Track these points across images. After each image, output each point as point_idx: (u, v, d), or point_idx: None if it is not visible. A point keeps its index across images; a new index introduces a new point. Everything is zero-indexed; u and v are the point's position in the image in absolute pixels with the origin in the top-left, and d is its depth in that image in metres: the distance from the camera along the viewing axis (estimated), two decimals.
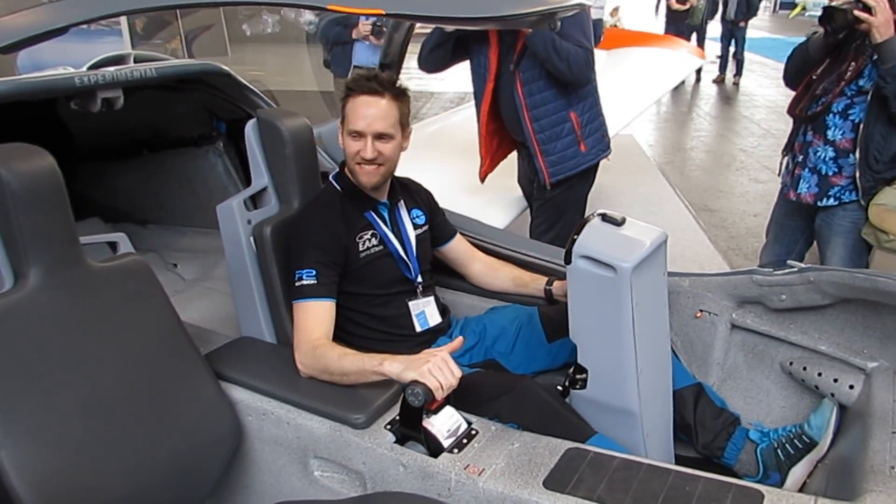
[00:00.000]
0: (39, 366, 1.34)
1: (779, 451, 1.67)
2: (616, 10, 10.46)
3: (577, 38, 2.39)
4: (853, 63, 2.23)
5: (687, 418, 1.75)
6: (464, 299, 2.12)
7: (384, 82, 1.73)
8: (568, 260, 1.54)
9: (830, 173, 2.33)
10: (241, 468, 1.70)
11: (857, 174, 2.25)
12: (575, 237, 1.54)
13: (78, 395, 1.37)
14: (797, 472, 1.61)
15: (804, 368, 1.72)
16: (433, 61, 2.59)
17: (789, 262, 1.72)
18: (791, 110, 2.46)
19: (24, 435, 1.28)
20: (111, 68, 1.88)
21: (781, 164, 2.56)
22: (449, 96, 8.73)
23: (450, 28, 2.43)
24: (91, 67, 1.92)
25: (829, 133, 2.31)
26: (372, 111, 1.71)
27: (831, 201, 2.34)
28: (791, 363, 1.75)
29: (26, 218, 1.32)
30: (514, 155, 2.93)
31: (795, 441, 1.66)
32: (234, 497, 1.75)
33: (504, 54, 2.48)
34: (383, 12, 1.00)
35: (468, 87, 2.73)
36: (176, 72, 2.06)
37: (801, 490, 1.57)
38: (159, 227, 2.77)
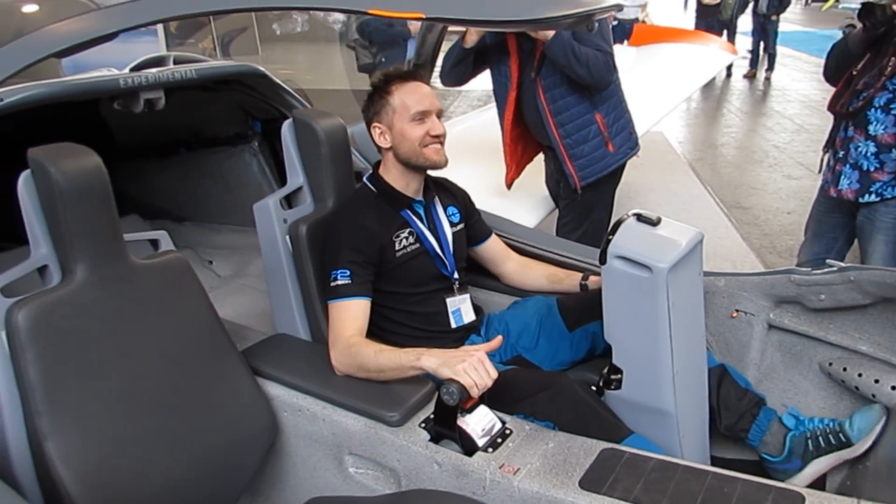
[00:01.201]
0: (85, 359, 1.37)
1: (810, 441, 1.65)
2: (644, 5, 10.37)
3: (595, 42, 2.38)
4: (894, 57, 2.21)
5: (710, 400, 1.72)
6: (494, 298, 2.13)
7: (421, 73, 1.80)
8: (603, 260, 1.54)
9: (872, 169, 2.32)
10: (277, 463, 1.73)
11: None
12: (610, 237, 1.53)
13: (121, 388, 1.41)
14: (819, 465, 1.61)
15: (844, 369, 1.69)
16: (455, 76, 2.62)
17: (829, 261, 1.70)
18: (831, 107, 2.45)
19: (70, 426, 1.32)
20: (153, 70, 1.92)
21: (822, 160, 2.54)
22: (477, 94, 8.71)
23: (468, 44, 2.45)
24: (133, 69, 1.96)
25: (871, 128, 2.30)
26: (427, 91, 1.80)
27: (873, 197, 2.33)
28: (830, 363, 1.73)
29: (74, 215, 1.35)
30: (540, 156, 2.93)
31: (831, 436, 1.63)
32: (270, 491, 1.78)
33: (524, 63, 2.48)
34: (423, 16, 1.01)
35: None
36: (214, 73, 2.09)
37: (817, 483, 1.57)
38: (195, 225, 2.81)
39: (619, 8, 1.19)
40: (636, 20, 9.89)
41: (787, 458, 1.67)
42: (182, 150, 2.69)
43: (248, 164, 2.63)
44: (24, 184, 1.36)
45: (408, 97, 1.78)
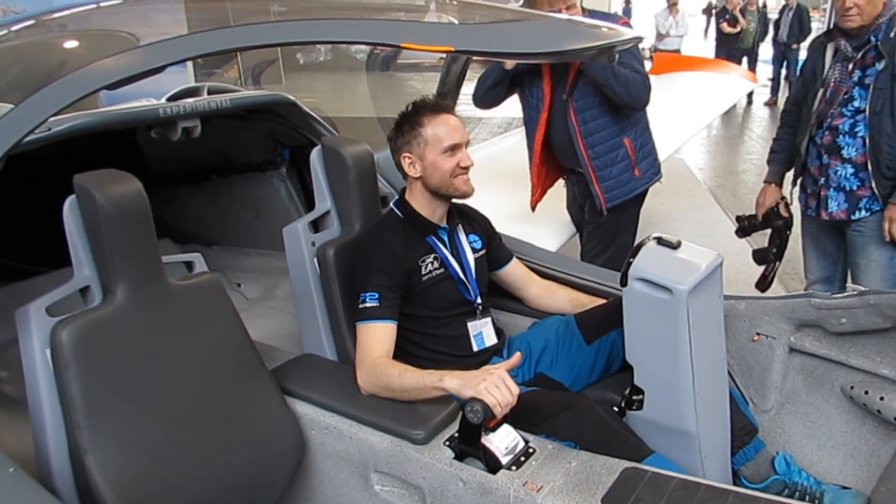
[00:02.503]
0: (124, 376, 1.43)
1: (787, 490, 1.70)
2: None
3: (633, 65, 2.44)
4: (842, 86, 2.46)
5: None
6: (516, 320, 2.16)
7: (449, 105, 1.85)
8: (624, 282, 1.57)
9: (855, 188, 2.48)
10: (303, 481, 1.76)
11: (874, 185, 2.43)
12: (631, 260, 1.57)
13: (158, 405, 1.46)
14: None
15: (866, 392, 1.70)
16: (490, 99, 2.67)
17: (849, 285, 1.71)
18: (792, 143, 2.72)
19: (109, 440, 1.37)
20: (189, 100, 2.01)
21: (793, 192, 2.78)
22: (497, 121, 8.81)
23: (509, 66, 2.51)
24: (169, 99, 2.05)
25: (844, 152, 2.47)
26: (457, 124, 1.86)
27: (863, 213, 2.49)
28: (852, 387, 1.74)
29: (117, 238, 1.42)
30: (559, 182, 2.97)
31: (807, 496, 1.68)
32: None
33: (556, 85, 2.53)
34: (452, 49, 1.07)
35: (514, 112, 2.80)
36: (247, 102, 2.18)
37: None
38: (224, 248, 2.89)
39: (639, 40, 1.24)
40: (678, 51, 10.00)
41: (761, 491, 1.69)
42: (213, 177, 2.77)
43: (276, 189, 2.71)
44: (69, 208, 1.43)
45: (440, 129, 1.84)
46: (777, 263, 2.75)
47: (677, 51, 9.99)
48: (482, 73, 2.58)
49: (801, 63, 2.80)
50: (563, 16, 2.07)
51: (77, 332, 1.37)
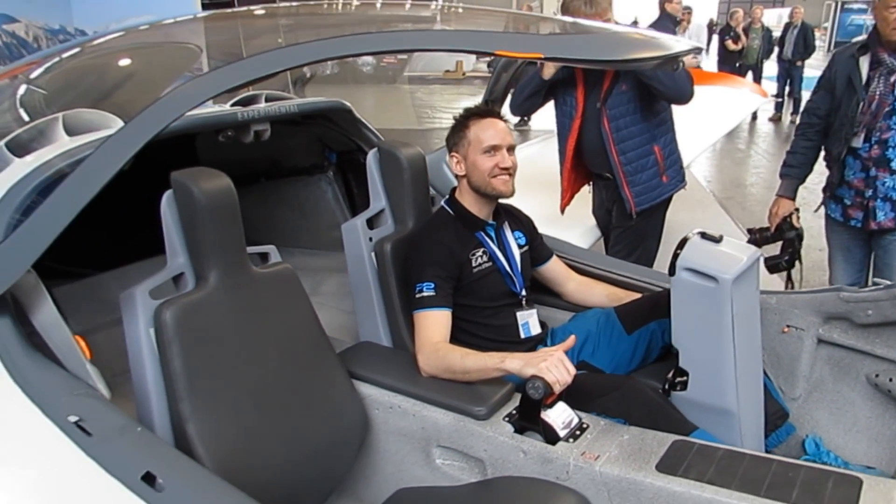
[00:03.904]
0: (218, 354, 1.56)
1: None
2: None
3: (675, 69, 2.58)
4: (890, 96, 2.49)
5: None
6: (556, 314, 2.29)
7: (497, 112, 1.99)
8: (672, 272, 1.71)
9: None
10: (365, 459, 1.88)
11: None
12: (678, 252, 1.71)
13: (247, 380, 1.59)
14: None
15: (890, 380, 1.83)
16: (528, 107, 2.82)
17: (875, 279, 1.85)
18: (828, 157, 2.76)
19: (207, 411, 1.50)
20: (262, 105, 2.15)
21: (828, 203, 2.81)
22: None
23: (547, 76, 2.65)
24: (233, 105, 2.19)
25: (893, 164, 2.55)
26: (501, 127, 2.00)
27: None
28: (877, 375, 1.87)
29: (211, 229, 1.55)
30: (585, 187, 3.11)
31: None
32: (356, 486, 1.93)
33: (589, 94, 2.68)
34: (542, 56, 1.21)
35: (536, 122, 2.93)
36: (311, 108, 2.33)
37: None
38: None
39: (700, 50, 1.38)
40: (698, 66, 10.17)
41: None
42: (262, 180, 2.92)
43: (323, 192, 2.85)
44: (166, 202, 1.57)
45: (482, 132, 1.99)
46: (792, 270, 2.78)
47: (698, 66, 10.18)
48: (520, 84, 2.73)
49: (820, 77, 2.78)
50: (630, 28, 2.23)
51: (178, 313, 1.51)
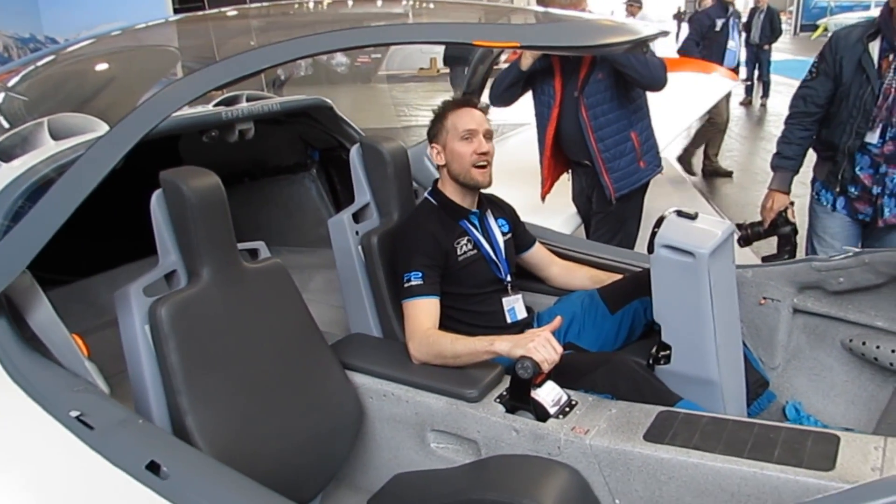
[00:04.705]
0: (213, 348, 1.59)
1: None
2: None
3: (650, 51, 2.64)
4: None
5: None
6: (541, 299, 2.35)
7: (475, 101, 2.04)
8: (650, 250, 1.77)
9: None
10: (361, 447, 1.92)
11: None
12: (656, 230, 1.77)
13: (243, 373, 1.62)
14: None
15: (863, 343, 1.91)
16: (508, 97, 2.87)
17: (844, 247, 1.93)
18: (826, 149, 2.57)
19: (205, 404, 1.53)
20: (245, 104, 2.18)
21: (834, 196, 2.58)
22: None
23: (525, 66, 2.70)
24: (216, 105, 2.22)
25: None
26: (477, 114, 2.05)
27: None
28: (851, 340, 1.95)
29: (201, 226, 1.58)
30: (563, 177, 3.17)
31: None
32: (353, 475, 1.97)
33: (567, 83, 2.74)
34: (519, 44, 1.26)
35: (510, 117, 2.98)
36: (293, 106, 2.36)
37: None
38: None
39: (666, 34, 1.44)
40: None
41: None
42: (246, 180, 2.94)
43: (307, 189, 2.88)
44: (156, 201, 1.60)
45: (459, 119, 2.04)
46: None
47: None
48: (499, 74, 2.77)
49: (815, 62, 2.55)
50: (602, 16, 2.29)
51: (173, 309, 1.53)
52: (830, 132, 2.52)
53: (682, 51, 6.84)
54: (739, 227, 2.57)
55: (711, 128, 6.61)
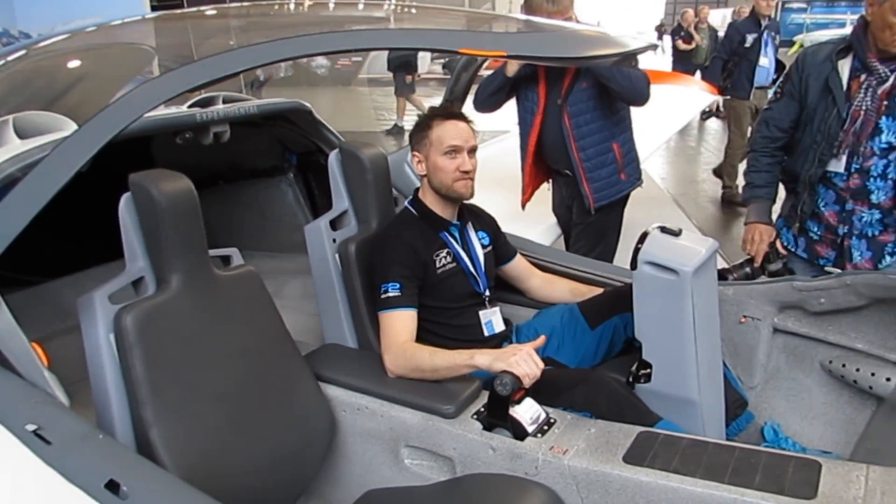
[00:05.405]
0: (181, 357, 1.53)
1: None
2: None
3: (633, 65, 2.63)
4: (875, 119, 2.08)
5: None
6: (520, 311, 2.31)
7: (461, 113, 1.99)
8: (634, 266, 1.75)
9: (877, 234, 2.17)
10: (333, 461, 1.87)
11: None
12: (639, 246, 1.74)
13: (211, 385, 1.57)
14: None
15: (843, 366, 1.90)
16: (492, 103, 2.84)
17: (826, 267, 1.92)
18: (791, 180, 2.33)
19: (171, 416, 1.47)
20: (220, 106, 2.12)
21: (794, 236, 2.34)
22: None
23: (510, 72, 2.68)
24: (190, 107, 2.16)
25: (873, 197, 2.13)
26: (463, 128, 1.99)
27: (888, 259, 2.18)
28: (830, 361, 1.94)
29: (171, 231, 1.52)
30: (544, 186, 3.15)
31: None
32: (324, 489, 1.91)
33: (551, 90, 2.72)
34: (505, 54, 1.23)
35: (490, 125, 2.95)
36: (270, 108, 2.30)
37: None
38: None
39: (655, 47, 1.42)
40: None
41: None
42: (221, 183, 2.87)
43: (284, 194, 2.82)
44: (125, 204, 1.53)
45: (444, 133, 1.99)
46: None
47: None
48: (483, 80, 2.74)
49: (780, 80, 2.32)
50: (591, 26, 2.26)
51: (139, 318, 1.47)
52: (793, 160, 2.30)
53: (708, 68, 6.32)
54: (730, 270, 2.26)
55: (734, 152, 6.14)
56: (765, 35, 5.72)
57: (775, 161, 2.36)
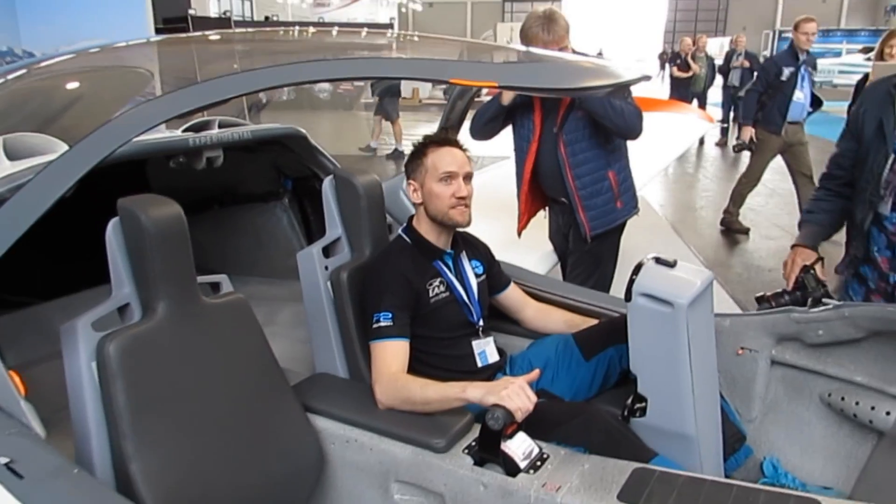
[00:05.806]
0: (164, 389, 1.50)
1: None
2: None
3: (625, 98, 2.62)
4: None
5: None
6: (514, 341, 2.28)
7: (457, 140, 1.98)
8: (628, 298, 1.72)
9: None
10: (321, 496, 1.82)
11: None
12: (634, 277, 1.71)
13: (195, 416, 1.53)
14: None
15: (842, 399, 1.86)
16: (488, 131, 2.83)
17: (824, 300, 1.89)
18: (851, 223, 2.17)
19: (152, 449, 1.44)
20: (214, 131, 2.11)
21: (850, 282, 2.21)
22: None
23: (506, 101, 2.67)
24: (185, 131, 2.15)
25: None
26: (459, 155, 1.98)
27: None
28: (829, 394, 1.90)
29: (159, 258, 1.50)
30: (541, 214, 3.13)
31: None
32: None
33: (546, 119, 2.71)
34: (496, 84, 1.21)
35: (489, 150, 2.95)
36: (265, 134, 2.29)
37: None
38: None
39: (648, 78, 1.41)
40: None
41: None
42: (215, 207, 2.86)
43: (278, 219, 2.81)
44: (112, 230, 1.51)
45: (439, 159, 1.97)
46: None
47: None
48: (479, 108, 2.74)
49: (847, 118, 2.17)
50: (584, 57, 2.26)
51: (123, 346, 1.44)
52: (854, 203, 2.14)
53: (742, 100, 6.13)
54: (760, 299, 2.11)
55: (748, 182, 6.15)
56: (802, 69, 5.59)
57: (833, 195, 2.21)
